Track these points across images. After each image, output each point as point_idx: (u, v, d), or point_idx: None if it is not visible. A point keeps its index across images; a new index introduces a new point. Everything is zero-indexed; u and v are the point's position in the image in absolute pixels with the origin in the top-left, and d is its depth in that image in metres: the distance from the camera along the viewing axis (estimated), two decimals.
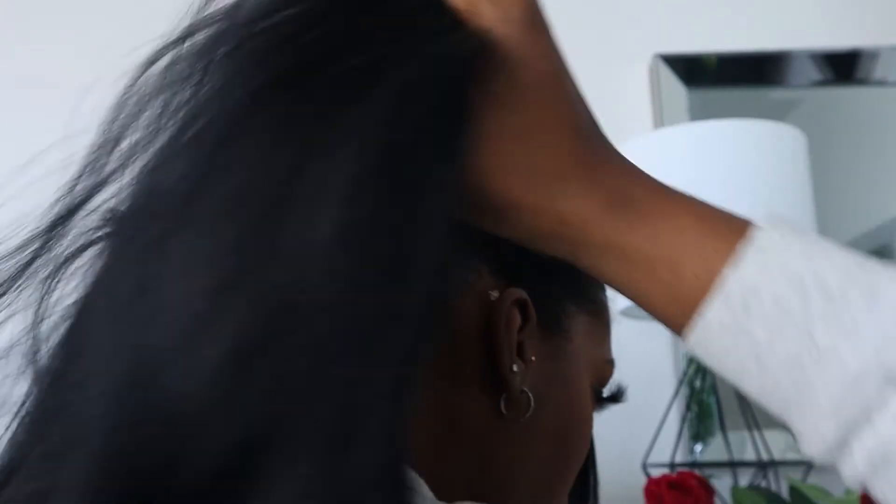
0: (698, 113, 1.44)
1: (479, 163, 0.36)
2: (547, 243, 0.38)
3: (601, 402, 0.58)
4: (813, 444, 0.33)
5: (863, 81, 1.51)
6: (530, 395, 0.49)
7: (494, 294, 0.50)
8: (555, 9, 1.54)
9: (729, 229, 0.35)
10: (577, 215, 0.36)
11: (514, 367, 0.49)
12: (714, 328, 0.35)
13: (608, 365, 0.57)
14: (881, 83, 1.51)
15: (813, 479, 1.19)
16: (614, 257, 0.36)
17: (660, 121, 1.44)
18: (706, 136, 1.24)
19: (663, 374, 1.35)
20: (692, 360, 1.31)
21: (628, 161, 0.39)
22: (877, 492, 0.32)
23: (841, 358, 0.32)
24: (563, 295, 0.54)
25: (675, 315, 0.36)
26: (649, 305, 0.37)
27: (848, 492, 1.11)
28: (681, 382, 1.31)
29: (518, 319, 0.50)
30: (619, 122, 1.44)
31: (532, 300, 0.50)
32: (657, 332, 1.30)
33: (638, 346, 1.28)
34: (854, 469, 0.32)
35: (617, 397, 0.59)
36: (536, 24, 0.39)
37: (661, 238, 0.36)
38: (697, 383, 1.31)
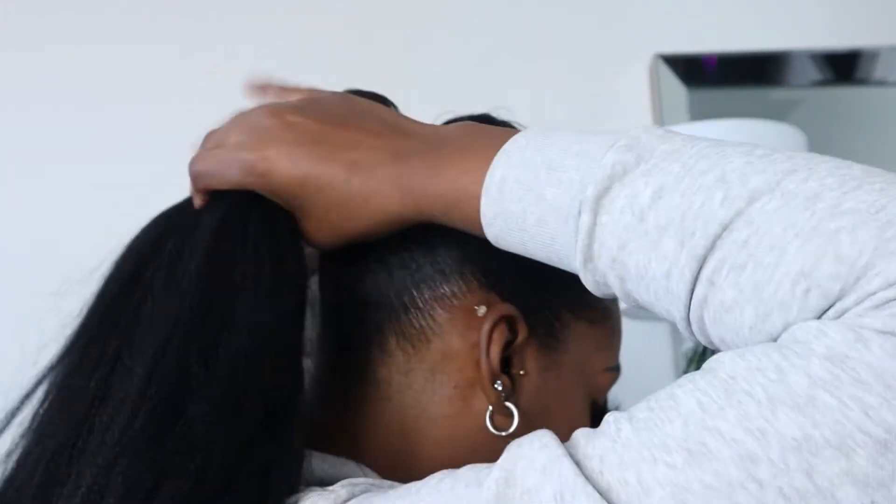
0: (698, 113, 1.43)
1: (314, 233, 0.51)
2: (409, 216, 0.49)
3: (599, 417, 0.58)
4: (578, 269, 0.44)
5: (863, 81, 1.51)
6: (514, 409, 0.50)
7: (482, 310, 0.51)
8: (555, 9, 1.53)
9: (490, 150, 0.47)
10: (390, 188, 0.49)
11: (497, 384, 0.50)
12: (489, 219, 0.46)
13: (609, 373, 0.57)
14: (881, 83, 1.50)
15: None
16: (436, 208, 0.48)
17: (660, 121, 1.44)
18: (706, 136, 1.24)
19: (663, 374, 1.35)
20: (692, 360, 1.31)
21: (414, 132, 0.51)
22: (611, 278, 0.42)
23: (559, 205, 0.43)
24: (559, 305, 0.54)
25: (479, 229, 0.47)
26: (473, 229, 0.48)
27: None
28: None
29: (505, 335, 0.51)
30: (619, 122, 1.44)
31: (525, 314, 0.51)
32: (657, 332, 1.30)
33: (638, 346, 1.28)
34: (602, 269, 0.43)
35: (600, 413, 0.59)
36: (268, 159, 0.50)
37: (453, 179, 0.47)
38: None
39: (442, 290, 0.52)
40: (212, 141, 0.52)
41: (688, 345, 1.30)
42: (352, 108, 0.52)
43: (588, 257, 0.43)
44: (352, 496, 0.43)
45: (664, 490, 0.34)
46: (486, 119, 0.58)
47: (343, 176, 0.49)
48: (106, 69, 1.36)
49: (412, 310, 0.52)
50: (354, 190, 0.49)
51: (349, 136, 0.50)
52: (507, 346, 0.51)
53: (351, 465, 0.48)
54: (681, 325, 0.41)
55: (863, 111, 1.54)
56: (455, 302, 0.52)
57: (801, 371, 0.34)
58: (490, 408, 0.50)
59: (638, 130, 0.43)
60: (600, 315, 0.56)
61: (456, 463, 0.49)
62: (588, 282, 0.44)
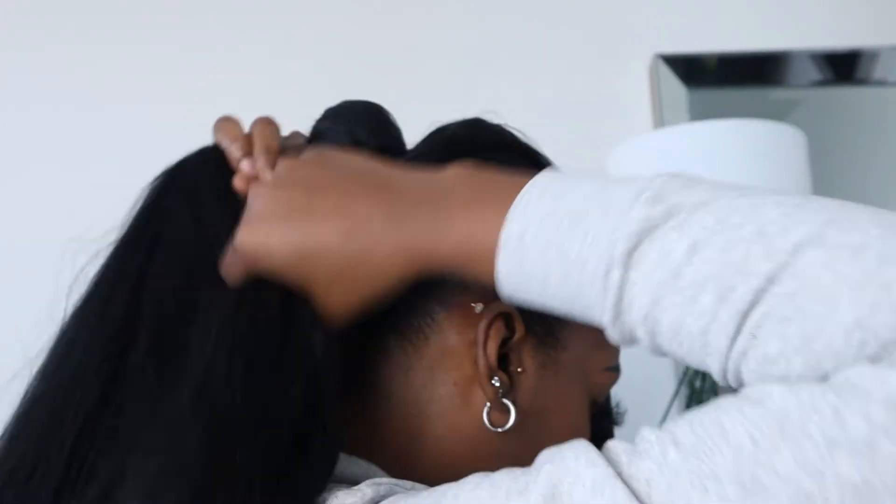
0: (698, 113, 1.43)
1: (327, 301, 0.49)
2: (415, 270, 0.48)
3: (599, 418, 0.58)
4: (605, 325, 0.42)
5: (863, 81, 1.51)
6: (511, 406, 0.50)
7: (479, 307, 0.51)
8: (555, 9, 1.54)
9: (501, 201, 0.45)
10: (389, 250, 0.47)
11: (495, 380, 0.50)
12: (505, 276, 0.45)
13: (609, 373, 0.57)
14: (881, 83, 1.51)
15: None
16: (445, 266, 0.47)
17: (660, 121, 1.44)
18: (706, 136, 1.24)
19: (663, 374, 1.35)
20: None
21: (412, 182, 0.49)
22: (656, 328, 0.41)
23: (585, 261, 0.42)
24: None
25: (490, 282, 0.46)
26: (477, 279, 0.46)
27: None
28: (681, 382, 1.31)
29: (503, 332, 0.51)
30: (619, 122, 1.44)
31: (522, 311, 0.51)
32: None
33: (638, 347, 1.28)
34: (631, 326, 0.42)
35: (606, 414, 0.60)
36: (259, 245, 0.48)
37: (464, 234, 0.46)
38: (697, 383, 1.31)
39: (439, 288, 0.52)
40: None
41: None
42: (333, 169, 0.50)
43: (617, 314, 0.42)
44: (378, 495, 0.43)
45: None
46: (477, 125, 0.57)
47: (338, 243, 0.47)
48: (106, 69, 1.36)
49: (410, 308, 0.52)
50: (352, 256, 0.47)
51: (337, 202, 0.48)
52: (505, 344, 0.51)
53: (363, 464, 0.49)
54: (716, 376, 0.41)
55: (863, 111, 1.54)
56: (452, 299, 0.52)
57: (860, 415, 0.33)
58: (488, 405, 0.50)
59: (661, 179, 0.42)
60: None
61: (457, 460, 0.50)
62: (614, 336, 0.43)
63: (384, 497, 0.42)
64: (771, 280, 0.37)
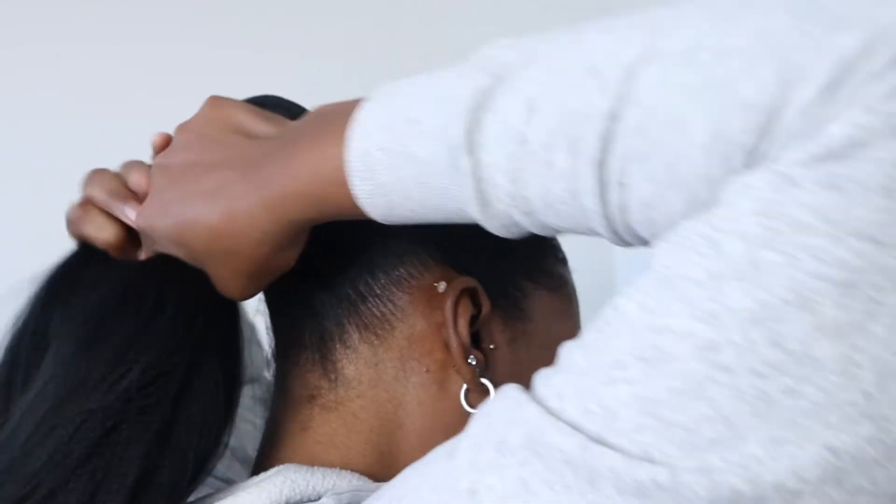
0: None
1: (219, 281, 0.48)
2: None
3: None
4: (480, 220, 0.39)
5: None
6: (490, 385, 0.49)
7: (442, 286, 0.49)
8: (556, 9, 1.54)
9: (342, 125, 0.42)
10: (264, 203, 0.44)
11: (471, 359, 0.49)
12: (367, 199, 0.41)
13: None
14: None
15: None
16: (307, 208, 0.43)
17: None
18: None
19: None
20: None
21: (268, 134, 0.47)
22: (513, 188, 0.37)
23: (434, 158, 0.39)
24: (517, 274, 0.52)
25: (361, 214, 0.43)
26: (349, 215, 0.43)
27: None
28: None
29: (470, 309, 0.49)
30: None
31: (485, 285, 0.49)
32: None
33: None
34: (504, 211, 0.38)
35: None
36: (145, 220, 0.48)
37: (312, 167, 0.42)
38: None
39: (398, 273, 0.50)
40: None
41: None
42: (214, 128, 0.48)
43: (484, 203, 0.38)
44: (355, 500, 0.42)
45: (631, 409, 0.30)
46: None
47: (206, 209, 0.44)
48: (105, 69, 1.36)
49: (370, 298, 0.50)
50: (219, 220, 0.44)
51: (209, 160, 0.46)
52: (473, 321, 0.49)
53: (331, 475, 0.47)
54: (611, 239, 0.37)
55: None
56: (413, 282, 0.50)
57: (734, 235, 0.30)
58: (465, 386, 0.49)
59: (482, 47, 0.40)
60: (558, 282, 0.55)
61: None
62: (494, 228, 0.40)
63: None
64: (613, 117, 0.33)
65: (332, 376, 0.50)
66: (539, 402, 0.33)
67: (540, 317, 0.52)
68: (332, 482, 0.46)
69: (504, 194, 0.37)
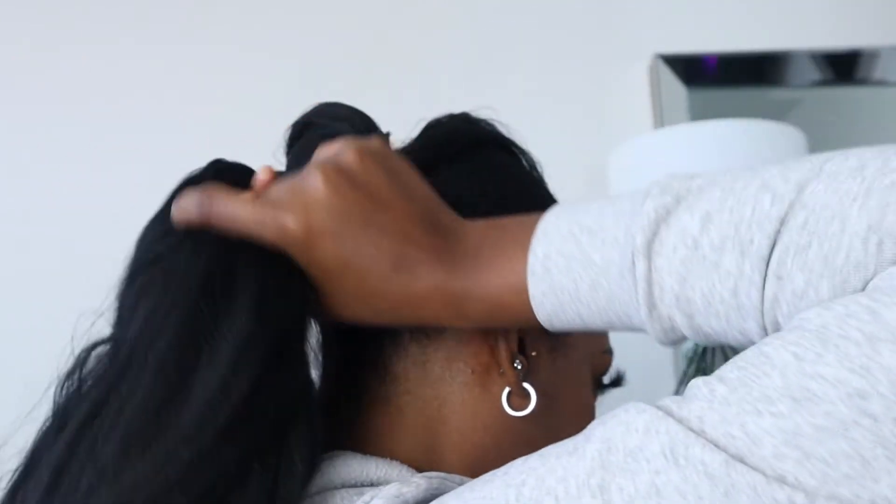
0: (698, 113, 1.43)
1: (334, 305, 0.49)
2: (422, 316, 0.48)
3: (602, 388, 0.59)
4: (644, 321, 0.43)
5: (863, 81, 1.51)
6: (531, 389, 0.51)
7: None
8: (556, 9, 1.54)
9: (523, 236, 0.46)
10: (429, 291, 0.47)
11: (517, 364, 0.51)
12: (539, 300, 0.45)
13: (606, 355, 0.59)
14: (881, 83, 1.51)
15: None
16: (480, 312, 0.47)
17: (660, 121, 1.44)
18: (706, 136, 1.24)
19: (663, 373, 1.35)
20: (692, 360, 1.31)
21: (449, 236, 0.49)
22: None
23: (609, 263, 0.43)
24: None
25: (530, 318, 0.47)
26: (522, 323, 0.47)
27: None
28: (681, 382, 1.31)
29: None
30: (619, 122, 1.44)
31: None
32: None
33: (638, 346, 1.28)
34: (667, 313, 0.42)
35: (617, 382, 0.61)
36: (312, 231, 0.47)
37: (497, 278, 0.47)
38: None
39: None
40: (250, 192, 0.49)
41: (688, 345, 1.30)
42: (393, 181, 0.49)
43: (651, 305, 0.42)
44: (431, 488, 0.43)
45: (775, 438, 0.33)
46: (464, 118, 0.57)
47: (387, 271, 0.47)
48: (107, 69, 1.36)
49: None
50: (395, 288, 0.47)
51: (397, 222, 0.47)
52: (520, 328, 0.52)
53: (381, 464, 0.48)
54: (757, 339, 0.40)
55: (863, 111, 1.54)
56: None
57: (893, 306, 0.33)
58: (507, 389, 0.51)
59: (663, 178, 0.43)
60: None
61: (481, 450, 0.50)
62: (656, 331, 0.43)
63: (438, 490, 0.42)
64: (783, 220, 0.38)
65: (381, 372, 0.52)
66: (679, 420, 0.35)
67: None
68: (384, 471, 0.48)
69: (670, 296, 0.41)
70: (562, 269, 0.44)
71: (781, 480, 0.32)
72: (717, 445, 0.34)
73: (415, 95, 1.35)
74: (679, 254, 0.40)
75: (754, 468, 0.33)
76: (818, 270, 0.37)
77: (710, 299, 0.40)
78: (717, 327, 0.41)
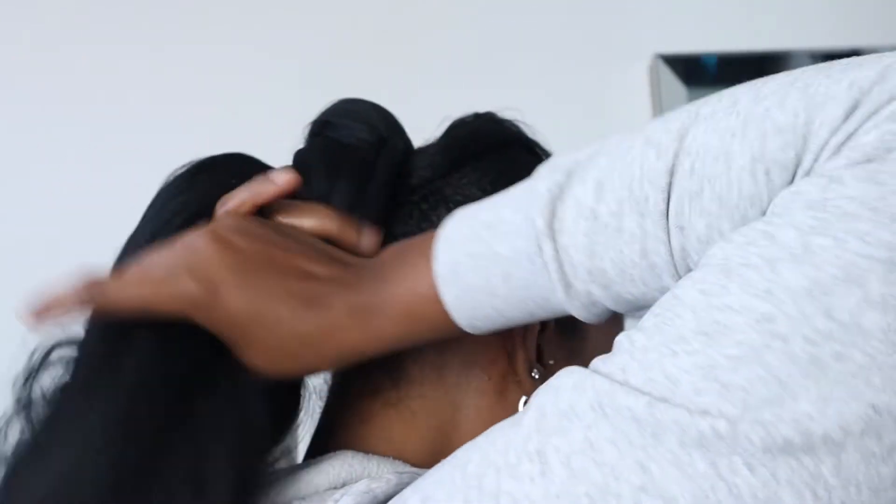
0: None
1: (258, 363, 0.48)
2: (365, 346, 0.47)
3: None
4: (563, 302, 0.42)
5: None
6: None
7: None
8: (556, 9, 1.53)
9: (425, 246, 0.46)
10: (334, 323, 0.47)
11: (535, 373, 0.51)
12: (454, 303, 0.44)
13: None
14: None
15: None
16: (399, 328, 0.46)
17: None
18: None
19: None
20: None
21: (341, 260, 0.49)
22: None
23: (517, 252, 0.42)
24: None
25: (449, 325, 0.45)
26: (443, 332, 0.46)
27: None
28: None
29: (537, 325, 0.51)
30: (619, 122, 1.44)
31: None
32: None
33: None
34: (584, 289, 0.42)
35: None
36: (215, 287, 0.46)
37: (407, 291, 0.46)
38: None
39: None
40: (134, 267, 0.48)
41: None
42: (277, 230, 0.49)
43: (567, 284, 0.42)
44: (402, 483, 0.43)
45: (692, 375, 0.34)
46: (490, 118, 0.57)
47: (299, 309, 0.46)
48: (106, 69, 1.36)
49: None
50: (310, 325, 0.46)
51: (294, 261, 0.47)
52: (538, 336, 0.52)
53: (385, 464, 0.48)
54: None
55: None
56: None
57: (787, 227, 0.34)
58: (524, 398, 0.50)
59: (552, 159, 0.44)
60: None
61: None
62: (577, 309, 0.43)
63: (407, 485, 0.42)
64: (671, 171, 0.38)
65: (396, 375, 0.52)
66: (604, 375, 0.36)
67: (593, 335, 0.54)
68: (386, 469, 0.48)
69: (583, 271, 0.41)
70: (470, 269, 0.44)
71: (705, 413, 0.33)
72: (640, 392, 0.34)
73: (415, 95, 1.35)
74: (581, 227, 0.40)
75: (677, 406, 0.33)
76: (716, 212, 0.37)
77: (621, 266, 0.40)
78: (636, 292, 0.41)
